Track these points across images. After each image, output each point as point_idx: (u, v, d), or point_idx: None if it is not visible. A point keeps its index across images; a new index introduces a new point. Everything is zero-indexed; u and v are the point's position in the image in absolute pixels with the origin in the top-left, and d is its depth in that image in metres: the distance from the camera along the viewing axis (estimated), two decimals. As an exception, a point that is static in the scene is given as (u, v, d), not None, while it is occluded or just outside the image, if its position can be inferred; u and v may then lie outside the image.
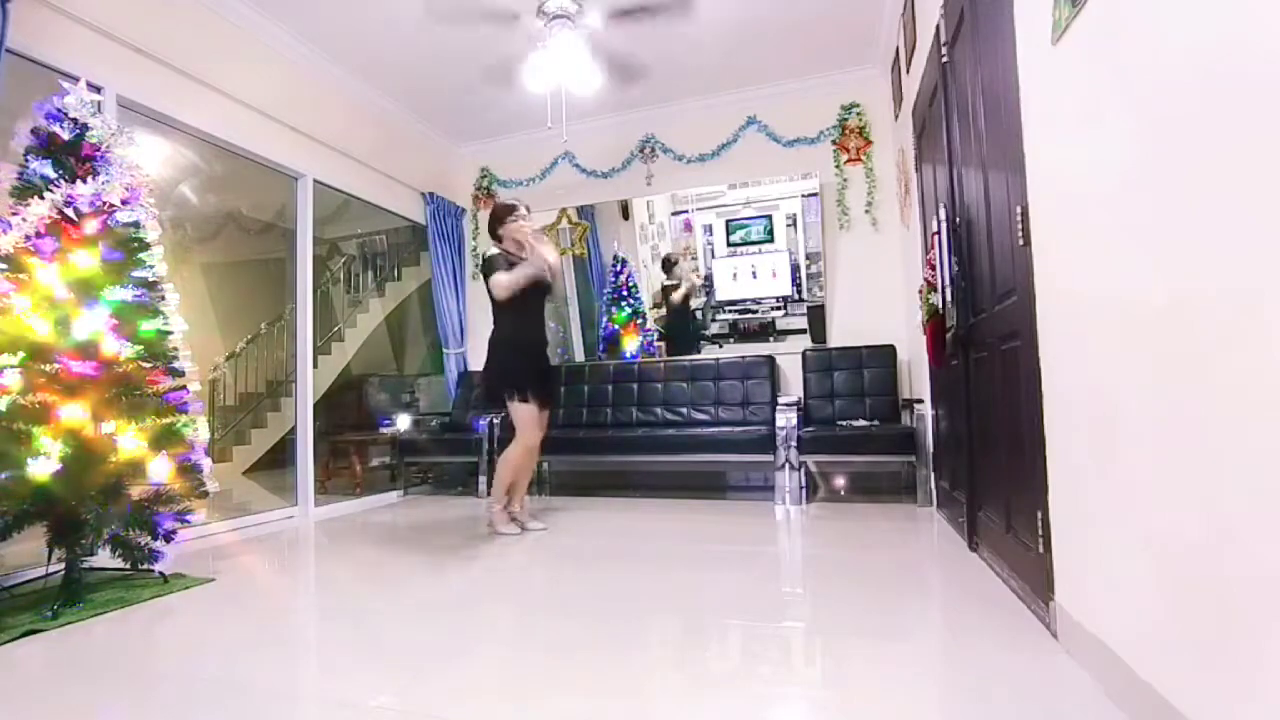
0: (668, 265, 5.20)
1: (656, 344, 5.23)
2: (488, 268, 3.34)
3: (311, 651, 1.93)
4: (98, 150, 2.43)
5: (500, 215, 3.46)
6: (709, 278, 5.07)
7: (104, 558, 2.41)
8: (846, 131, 4.68)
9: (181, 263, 6.62)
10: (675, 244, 5.17)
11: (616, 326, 5.31)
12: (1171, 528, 1.14)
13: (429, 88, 4.72)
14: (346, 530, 3.71)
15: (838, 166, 4.71)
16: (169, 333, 2.55)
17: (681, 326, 5.19)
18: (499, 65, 4.36)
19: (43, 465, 2.11)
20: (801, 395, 4.56)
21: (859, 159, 4.67)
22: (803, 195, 4.81)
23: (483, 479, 4.69)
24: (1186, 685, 1.10)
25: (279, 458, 6.32)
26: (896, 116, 4.23)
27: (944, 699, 1.49)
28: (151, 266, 2.52)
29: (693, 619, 2.06)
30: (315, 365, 4.30)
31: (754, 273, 4.94)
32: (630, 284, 5.27)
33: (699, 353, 5.08)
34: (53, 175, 2.32)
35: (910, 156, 3.77)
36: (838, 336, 4.70)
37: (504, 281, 3.24)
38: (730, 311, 5.03)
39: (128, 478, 2.38)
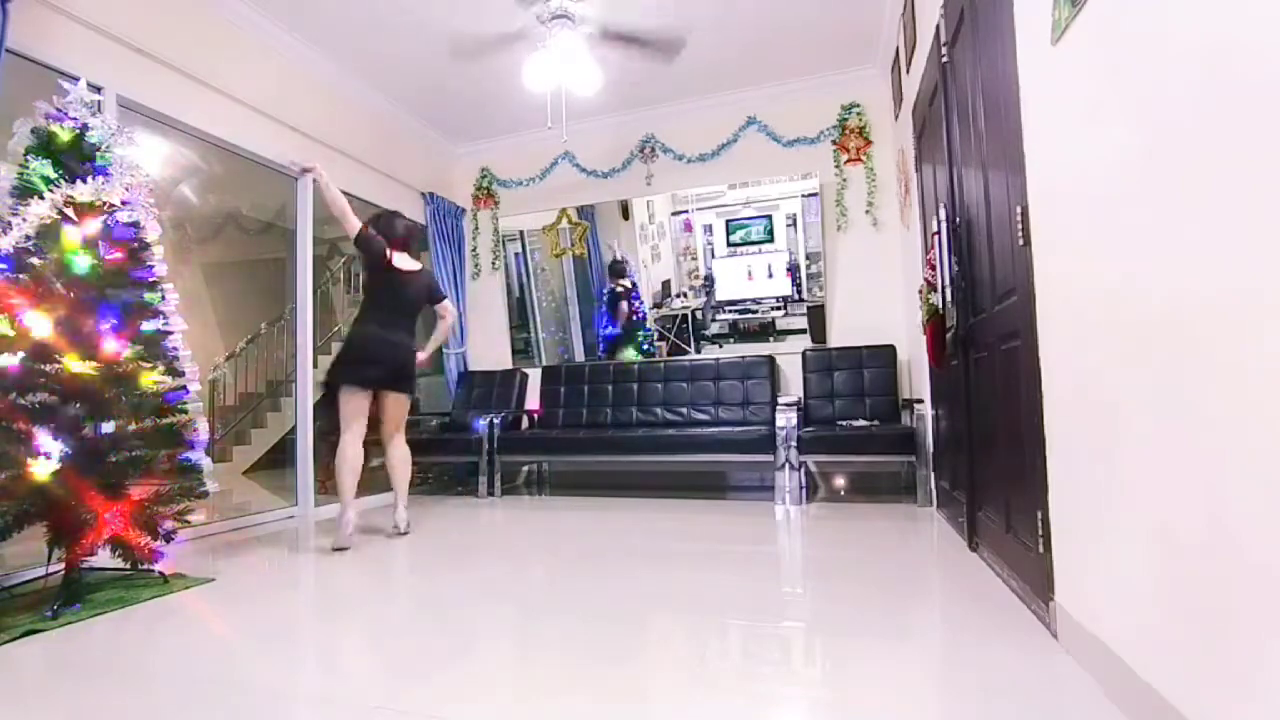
0: (616, 269, 5.28)
1: (656, 344, 5.24)
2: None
3: (311, 651, 1.93)
4: (98, 150, 2.43)
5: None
6: (709, 278, 5.07)
7: (104, 558, 2.41)
8: (846, 131, 4.69)
9: (181, 263, 6.62)
10: (675, 244, 5.18)
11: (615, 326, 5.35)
12: (1171, 527, 1.14)
13: (429, 87, 4.72)
14: (346, 530, 3.70)
15: (838, 166, 4.72)
16: (169, 333, 2.55)
17: (625, 330, 5.30)
18: (499, 66, 4.36)
19: (43, 465, 2.11)
20: (801, 395, 4.56)
21: (859, 159, 4.67)
22: (803, 195, 4.81)
23: (483, 479, 4.69)
24: (1186, 685, 1.10)
25: (279, 458, 6.32)
26: (896, 116, 4.23)
27: (944, 699, 1.49)
28: (151, 266, 2.51)
29: (693, 618, 2.06)
30: (315, 365, 4.30)
31: (753, 273, 4.94)
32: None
33: (642, 356, 5.20)
34: (53, 175, 2.32)
35: (910, 156, 3.77)
36: (838, 336, 4.70)
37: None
38: (730, 311, 5.03)
39: (128, 478, 2.38)
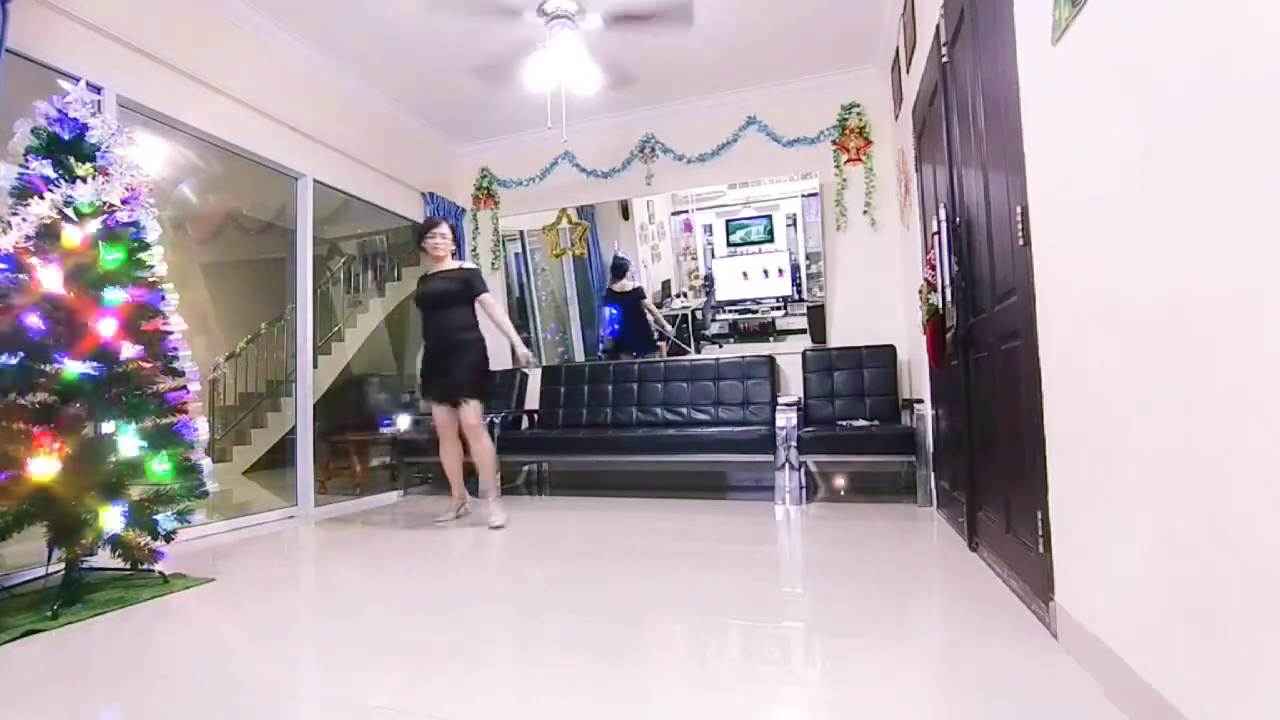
0: (618, 269, 5.27)
1: (656, 344, 5.24)
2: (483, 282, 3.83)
3: (311, 651, 1.93)
4: (98, 150, 2.43)
5: (421, 231, 3.92)
6: (709, 278, 5.07)
7: (104, 558, 2.41)
8: (846, 131, 4.69)
9: (182, 263, 6.61)
10: (675, 244, 5.18)
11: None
12: (1171, 528, 1.14)
13: (429, 87, 4.72)
14: (346, 530, 3.71)
15: (837, 166, 4.72)
16: (169, 333, 2.55)
17: (631, 330, 5.30)
18: (499, 65, 4.36)
19: (43, 465, 2.11)
20: (801, 395, 4.56)
21: (859, 159, 4.67)
22: (803, 195, 4.81)
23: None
24: (1186, 685, 1.10)
25: (279, 458, 6.31)
26: (896, 116, 4.23)
27: (944, 699, 1.49)
28: (151, 266, 2.51)
29: (693, 618, 2.06)
30: (315, 365, 4.30)
31: (753, 273, 4.94)
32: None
33: (657, 355, 5.19)
34: (53, 175, 2.32)
35: (910, 156, 3.77)
36: (838, 336, 4.70)
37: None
38: (730, 311, 5.03)
39: (128, 478, 2.38)
